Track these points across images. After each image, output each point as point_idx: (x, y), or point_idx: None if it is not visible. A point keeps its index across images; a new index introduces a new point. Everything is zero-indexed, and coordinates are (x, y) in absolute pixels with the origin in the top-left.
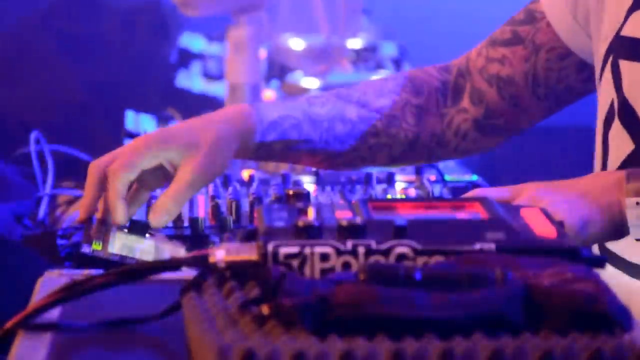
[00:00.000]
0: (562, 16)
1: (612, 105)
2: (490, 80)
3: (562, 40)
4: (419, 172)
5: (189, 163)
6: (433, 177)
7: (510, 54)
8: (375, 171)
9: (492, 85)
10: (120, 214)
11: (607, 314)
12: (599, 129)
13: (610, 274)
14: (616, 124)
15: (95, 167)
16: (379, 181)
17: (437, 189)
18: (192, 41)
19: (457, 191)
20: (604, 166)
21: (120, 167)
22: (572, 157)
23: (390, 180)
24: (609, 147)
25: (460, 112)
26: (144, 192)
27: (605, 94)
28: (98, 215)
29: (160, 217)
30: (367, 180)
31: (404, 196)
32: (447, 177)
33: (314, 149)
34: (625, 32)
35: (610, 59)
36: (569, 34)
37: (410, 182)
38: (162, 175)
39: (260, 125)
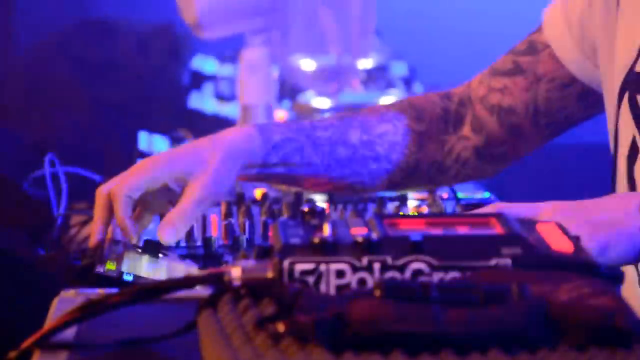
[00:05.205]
0: (567, 47)
1: (634, 141)
2: (491, 109)
3: (565, 71)
4: (432, 190)
5: (196, 181)
6: (446, 195)
7: (511, 84)
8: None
9: (493, 114)
10: (131, 232)
11: (626, 330)
12: (622, 165)
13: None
14: None
15: (101, 191)
16: (392, 199)
17: (449, 207)
18: (205, 63)
19: (470, 209)
20: None
21: (121, 187)
22: (583, 174)
23: (403, 198)
24: (635, 182)
25: (461, 139)
26: (148, 215)
27: (625, 131)
28: (110, 235)
29: (167, 233)
30: (380, 198)
31: (417, 213)
32: (460, 195)
33: (315, 172)
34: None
35: (627, 95)
36: (575, 65)
37: (423, 200)
38: (166, 199)
39: (263, 148)
